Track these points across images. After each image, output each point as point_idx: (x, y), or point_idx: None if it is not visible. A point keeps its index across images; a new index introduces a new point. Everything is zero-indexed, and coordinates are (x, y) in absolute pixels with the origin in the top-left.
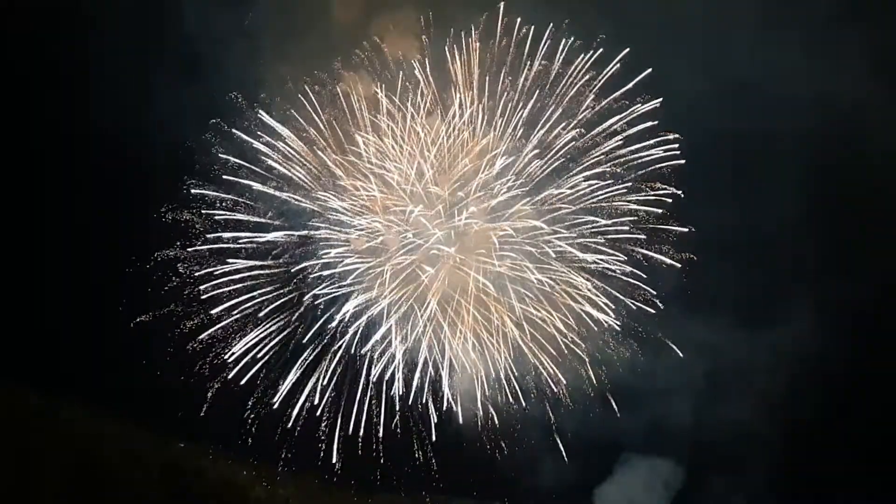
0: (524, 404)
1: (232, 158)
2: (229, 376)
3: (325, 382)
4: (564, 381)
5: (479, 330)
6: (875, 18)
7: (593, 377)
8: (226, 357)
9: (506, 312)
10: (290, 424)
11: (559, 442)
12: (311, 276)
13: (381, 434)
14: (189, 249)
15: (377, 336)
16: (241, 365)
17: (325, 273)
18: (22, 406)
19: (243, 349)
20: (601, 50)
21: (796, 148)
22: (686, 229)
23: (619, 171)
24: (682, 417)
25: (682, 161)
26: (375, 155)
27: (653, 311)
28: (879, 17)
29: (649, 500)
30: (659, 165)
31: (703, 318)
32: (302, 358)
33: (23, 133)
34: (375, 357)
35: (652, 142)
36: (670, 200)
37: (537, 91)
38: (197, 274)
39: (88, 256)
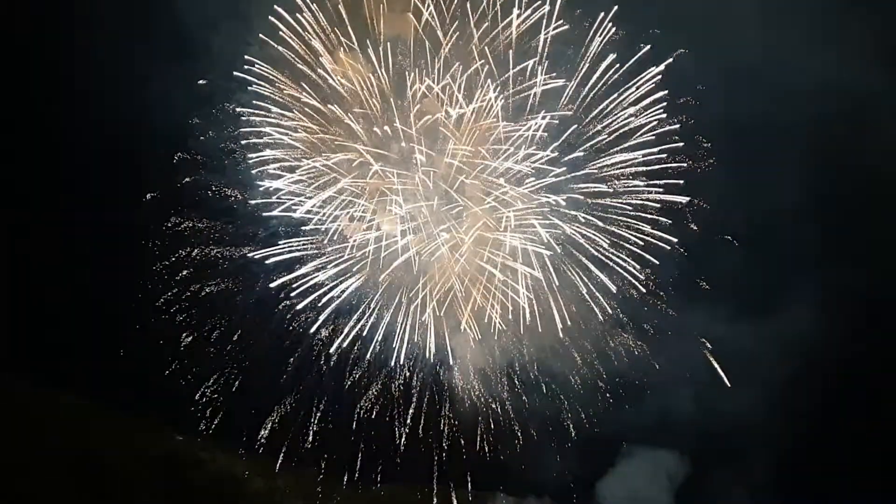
0: (525, 396)
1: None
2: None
3: (323, 376)
4: (568, 373)
5: (481, 321)
6: (878, 4)
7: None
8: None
9: (507, 302)
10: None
11: (562, 434)
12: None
13: (381, 427)
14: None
15: (377, 329)
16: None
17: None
18: (21, 400)
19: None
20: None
21: (799, 135)
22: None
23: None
24: (685, 409)
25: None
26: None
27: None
28: (883, 3)
29: (653, 491)
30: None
31: (705, 307)
32: (299, 351)
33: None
34: (376, 349)
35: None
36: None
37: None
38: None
39: (88, 253)
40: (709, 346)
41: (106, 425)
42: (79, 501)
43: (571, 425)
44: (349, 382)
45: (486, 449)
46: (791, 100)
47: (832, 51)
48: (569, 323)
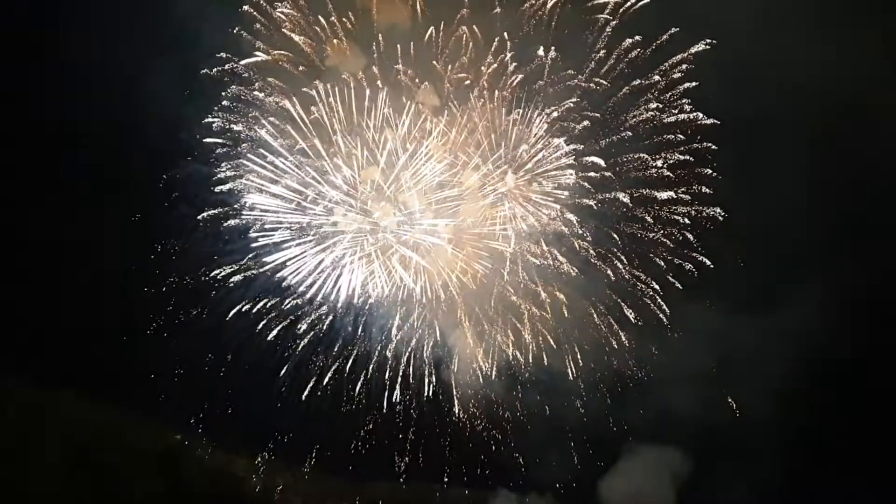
0: (519, 394)
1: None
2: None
3: (321, 372)
4: (571, 371)
5: (481, 318)
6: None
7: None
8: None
9: (507, 301)
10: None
11: (564, 432)
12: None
13: (379, 423)
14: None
15: (375, 325)
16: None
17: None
18: (20, 399)
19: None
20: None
21: (800, 132)
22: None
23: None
24: (688, 406)
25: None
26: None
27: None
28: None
29: (656, 489)
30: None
31: (708, 304)
32: (298, 349)
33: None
34: (374, 347)
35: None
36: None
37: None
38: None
39: (87, 252)
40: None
41: (105, 424)
42: (78, 501)
43: (574, 423)
44: (348, 407)
45: (489, 446)
46: (791, 97)
47: (832, 45)
48: (580, 363)
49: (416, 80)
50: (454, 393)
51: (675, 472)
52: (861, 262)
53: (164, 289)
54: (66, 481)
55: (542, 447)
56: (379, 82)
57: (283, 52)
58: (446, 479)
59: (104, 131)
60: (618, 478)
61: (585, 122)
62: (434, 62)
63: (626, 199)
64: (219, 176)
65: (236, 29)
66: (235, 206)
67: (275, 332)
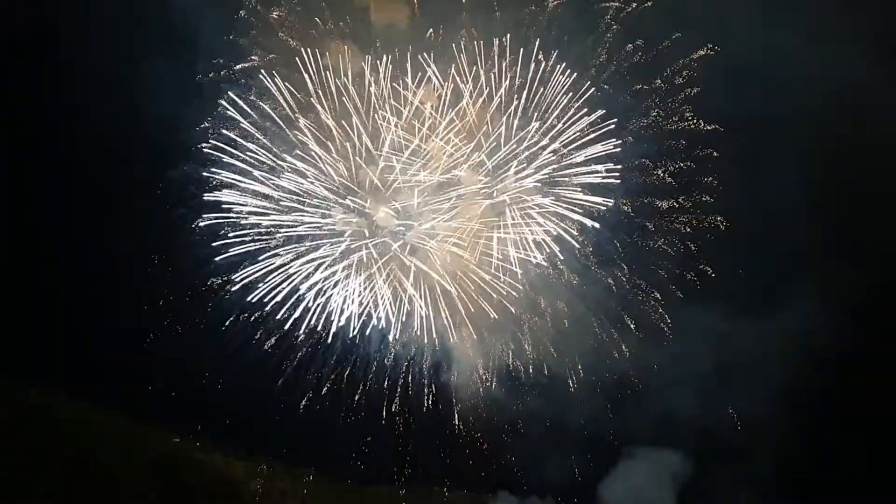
0: (518, 398)
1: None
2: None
3: (321, 377)
4: (571, 380)
5: (478, 320)
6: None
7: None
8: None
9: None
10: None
11: (564, 435)
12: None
13: (378, 427)
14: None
15: (374, 328)
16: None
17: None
18: (19, 403)
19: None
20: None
21: (799, 132)
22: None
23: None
24: (688, 408)
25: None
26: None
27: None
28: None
29: (656, 492)
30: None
31: (707, 306)
32: (299, 353)
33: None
34: (372, 351)
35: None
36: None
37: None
38: None
39: (87, 254)
40: None
41: (104, 426)
42: (77, 502)
43: (574, 429)
44: (347, 418)
45: (488, 448)
46: (791, 96)
47: (831, 45)
48: (581, 373)
49: (415, 82)
50: (454, 400)
51: (675, 474)
52: (861, 260)
53: (161, 301)
54: (65, 484)
55: (541, 452)
56: (377, 83)
57: (279, 55)
58: (446, 489)
59: (101, 135)
60: (618, 480)
61: (585, 127)
62: (433, 64)
63: (627, 208)
64: (215, 181)
65: (232, 35)
66: (234, 211)
67: (273, 340)
